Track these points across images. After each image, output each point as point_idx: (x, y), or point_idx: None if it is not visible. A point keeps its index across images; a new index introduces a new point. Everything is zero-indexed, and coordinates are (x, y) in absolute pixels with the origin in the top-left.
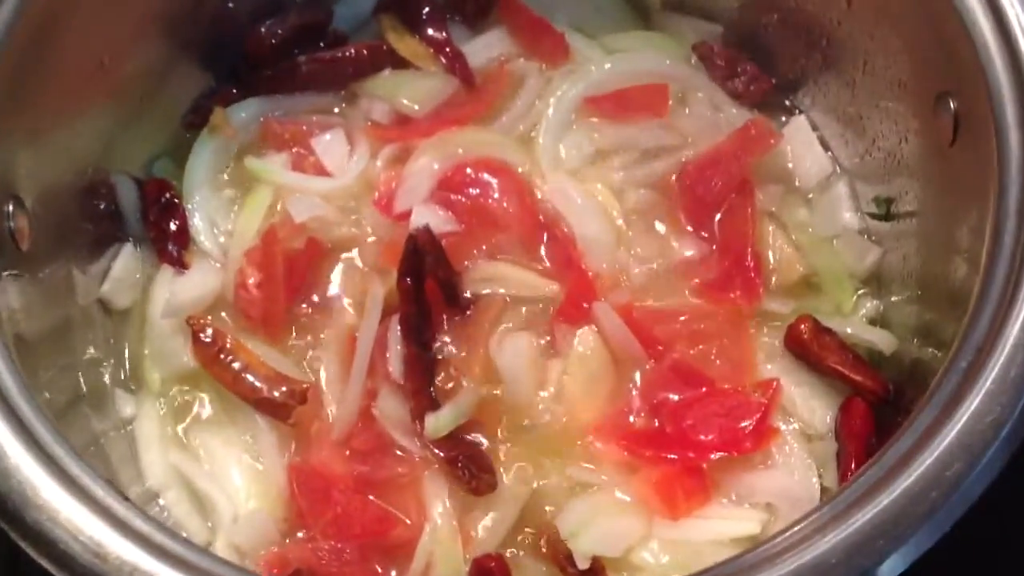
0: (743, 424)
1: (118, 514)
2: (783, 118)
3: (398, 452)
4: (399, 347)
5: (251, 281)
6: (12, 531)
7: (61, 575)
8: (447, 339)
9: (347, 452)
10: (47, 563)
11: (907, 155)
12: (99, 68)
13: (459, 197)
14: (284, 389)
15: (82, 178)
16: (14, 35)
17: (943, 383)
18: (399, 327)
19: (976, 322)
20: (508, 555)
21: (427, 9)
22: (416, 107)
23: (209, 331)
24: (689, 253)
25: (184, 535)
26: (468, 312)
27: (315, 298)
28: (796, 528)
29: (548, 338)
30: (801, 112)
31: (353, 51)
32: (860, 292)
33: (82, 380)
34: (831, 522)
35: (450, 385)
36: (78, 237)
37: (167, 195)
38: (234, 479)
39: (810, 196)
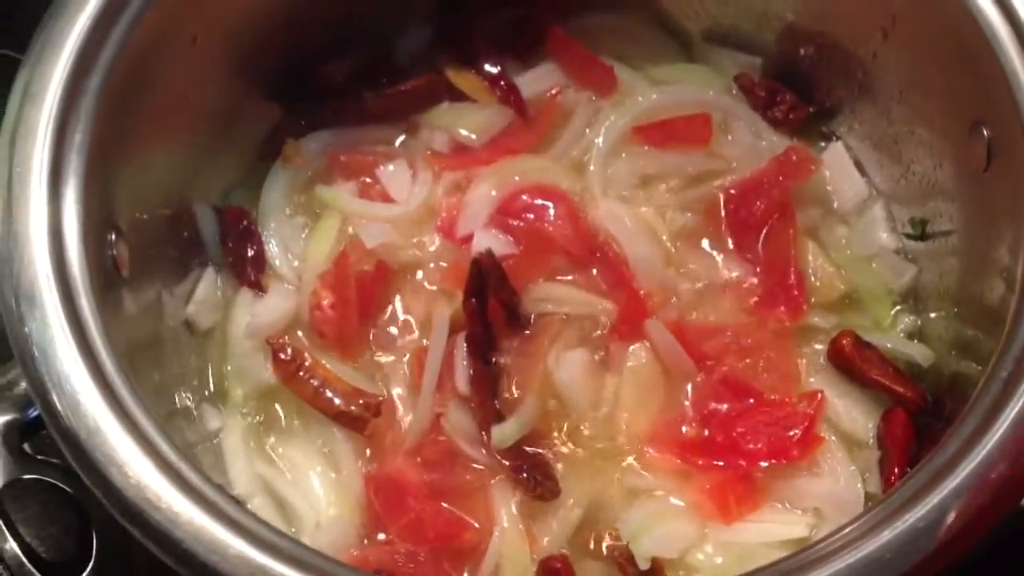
0: (790, 433)
1: (233, 516)
2: (821, 144)
3: (467, 462)
4: (465, 364)
5: (325, 302)
6: (137, 532)
7: (184, 571)
8: (509, 356)
9: (419, 461)
10: (171, 562)
11: (941, 179)
12: (184, 104)
13: (517, 222)
14: (360, 402)
15: (168, 207)
16: (116, 75)
17: (984, 393)
18: (465, 345)
19: (1015, 336)
20: (572, 556)
21: (481, 44)
22: (474, 137)
23: (289, 350)
24: (735, 273)
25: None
26: (528, 330)
27: (385, 317)
28: (847, 530)
29: (603, 353)
30: (838, 138)
31: (413, 85)
32: (898, 308)
33: (175, 396)
34: (880, 523)
35: (513, 398)
36: (165, 263)
37: (244, 222)
38: (315, 487)
39: (848, 218)
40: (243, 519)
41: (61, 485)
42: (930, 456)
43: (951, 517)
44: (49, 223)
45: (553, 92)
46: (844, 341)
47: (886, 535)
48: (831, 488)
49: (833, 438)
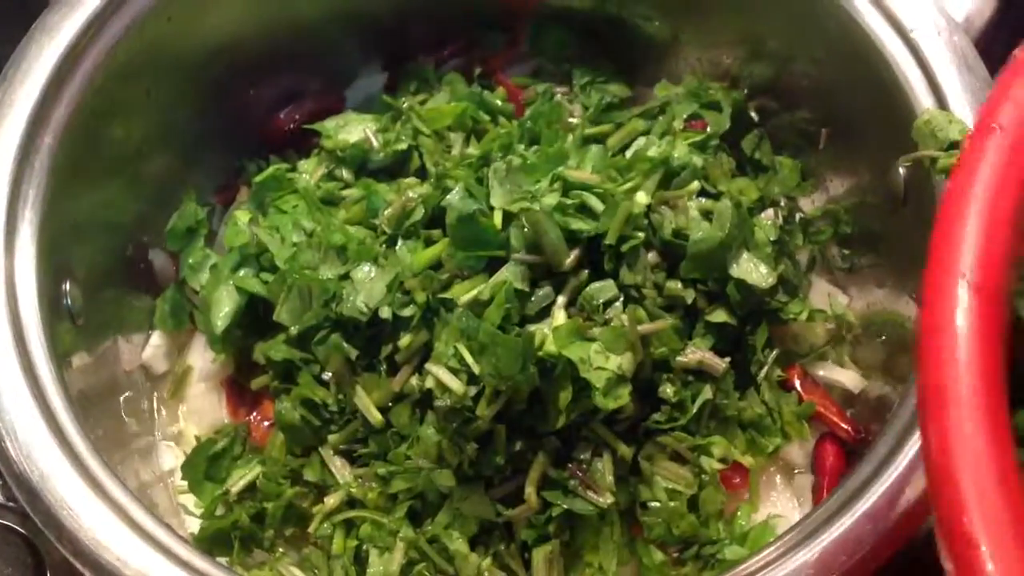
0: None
1: (181, 555)
2: None
3: None
4: None
5: None
6: (90, 573)
7: None
8: None
9: None
10: None
11: (867, 214)
12: (139, 155)
13: None
14: None
15: (123, 255)
16: (70, 130)
17: (896, 419)
18: None
19: None
20: None
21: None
22: None
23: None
24: None
25: None
26: None
27: None
28: (771, 548)
29: None
30: None
31: None
32: (831, 337)
33: (131, 437)
34: (802, 541)
35: None
36: (121, 310)
37: None
38: None
39: None
40: (192, 558)
41: (16, 527)
42: (846, 478)
43: (863, 536)
44: (4, 275)
45: None
46: (791, 373)
47: (805, 554)
48: (770, 513)
49: (773, 465)
